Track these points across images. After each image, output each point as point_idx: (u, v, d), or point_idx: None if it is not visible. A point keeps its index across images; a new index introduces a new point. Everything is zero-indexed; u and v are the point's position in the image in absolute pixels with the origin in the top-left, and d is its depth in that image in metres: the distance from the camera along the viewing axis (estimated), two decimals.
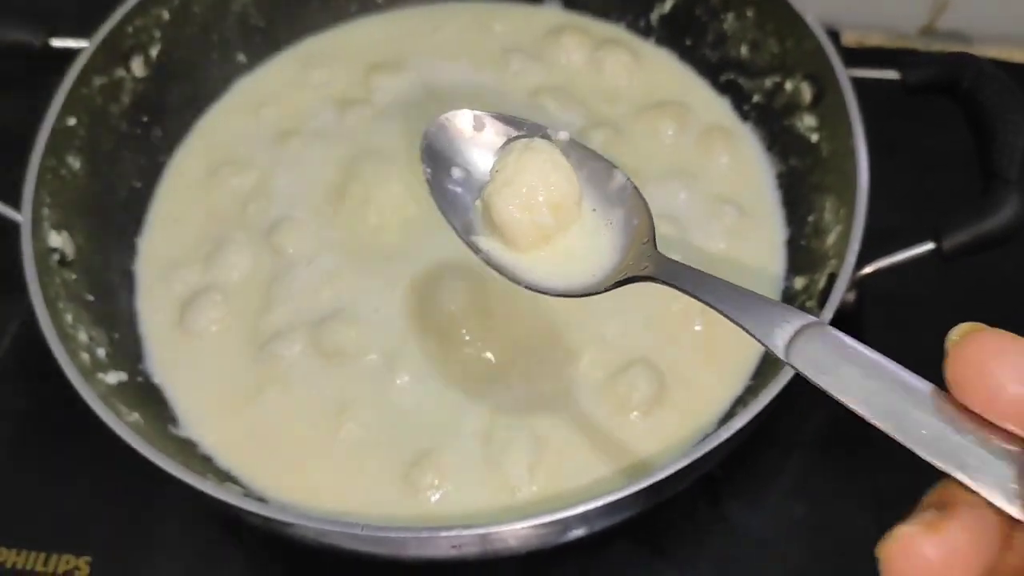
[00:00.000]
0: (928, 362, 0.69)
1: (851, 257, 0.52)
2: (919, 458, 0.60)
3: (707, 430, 0.55)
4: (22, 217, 0.55)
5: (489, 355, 0.57)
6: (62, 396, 0.50)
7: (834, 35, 0.80)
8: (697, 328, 0.58)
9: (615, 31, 0.73)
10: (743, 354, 0.58)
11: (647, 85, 0.70)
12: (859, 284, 0.53)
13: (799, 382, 0.49)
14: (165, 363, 0.59)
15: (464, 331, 0.57)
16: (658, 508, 0.52)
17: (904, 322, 0.67)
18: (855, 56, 0.81)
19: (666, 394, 0.56)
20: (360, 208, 0.62)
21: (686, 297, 0.36)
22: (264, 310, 0.60)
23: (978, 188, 0.56)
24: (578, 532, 0.50)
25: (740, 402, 0.56)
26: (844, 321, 0.55)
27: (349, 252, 0.61)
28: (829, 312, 0.50)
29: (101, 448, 0.48)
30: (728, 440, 0.47)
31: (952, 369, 0.25)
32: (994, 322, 0.70)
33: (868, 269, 0.53)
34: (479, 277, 0.56)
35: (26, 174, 0.56)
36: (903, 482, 0.66)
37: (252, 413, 0.57)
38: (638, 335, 0.57)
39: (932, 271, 0.54)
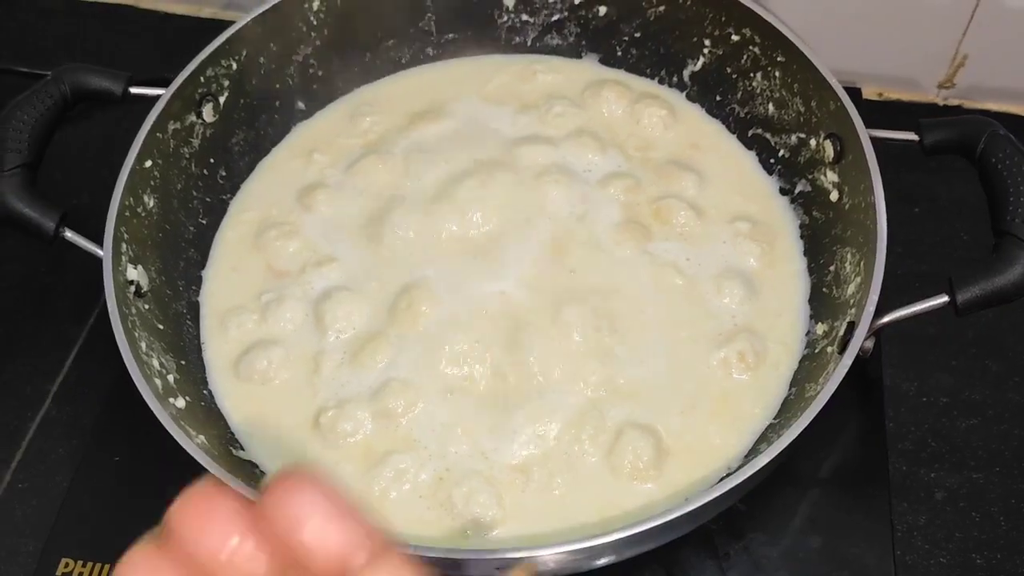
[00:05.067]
0: (941, 399, 0.71)
1: (870, 308, 0.55)
2: (932, 497, 0.64)
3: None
4: (103, 252, 0.60)
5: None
6: (125, 417, 0.53)
7: (855, 91, 0.84)
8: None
9: (652, 86, 0.77)
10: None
11: (680, 137, 0.74)
12: (877, 332, 0.56)
13: (817, 424, 0.52)
14: (227, 389, 0.64)
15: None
16: (685, 539, 0.55)
17: (920, 361, 0.70)
18: (876, 110, 0.85)
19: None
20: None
21: None
22: (319, 355, 0.64)
23: (992, 239, 0.59)
24: (606, 559, 0.53)
25: (763, 439, 0.59)
26: (863, 363, 0.58)
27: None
28: (849, 358, 0.53)
29: (166, 466, 0.51)
30: (749, 478, 0.50)
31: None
32: (1007, 364, 0.74)
33: (885, 319, 0.56)
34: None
35: (108, 212, 0.61)
36: (915, 518, 0.70)
37: (311, 439, 0.61)
38: None
39: (949, 314, 0.57)
